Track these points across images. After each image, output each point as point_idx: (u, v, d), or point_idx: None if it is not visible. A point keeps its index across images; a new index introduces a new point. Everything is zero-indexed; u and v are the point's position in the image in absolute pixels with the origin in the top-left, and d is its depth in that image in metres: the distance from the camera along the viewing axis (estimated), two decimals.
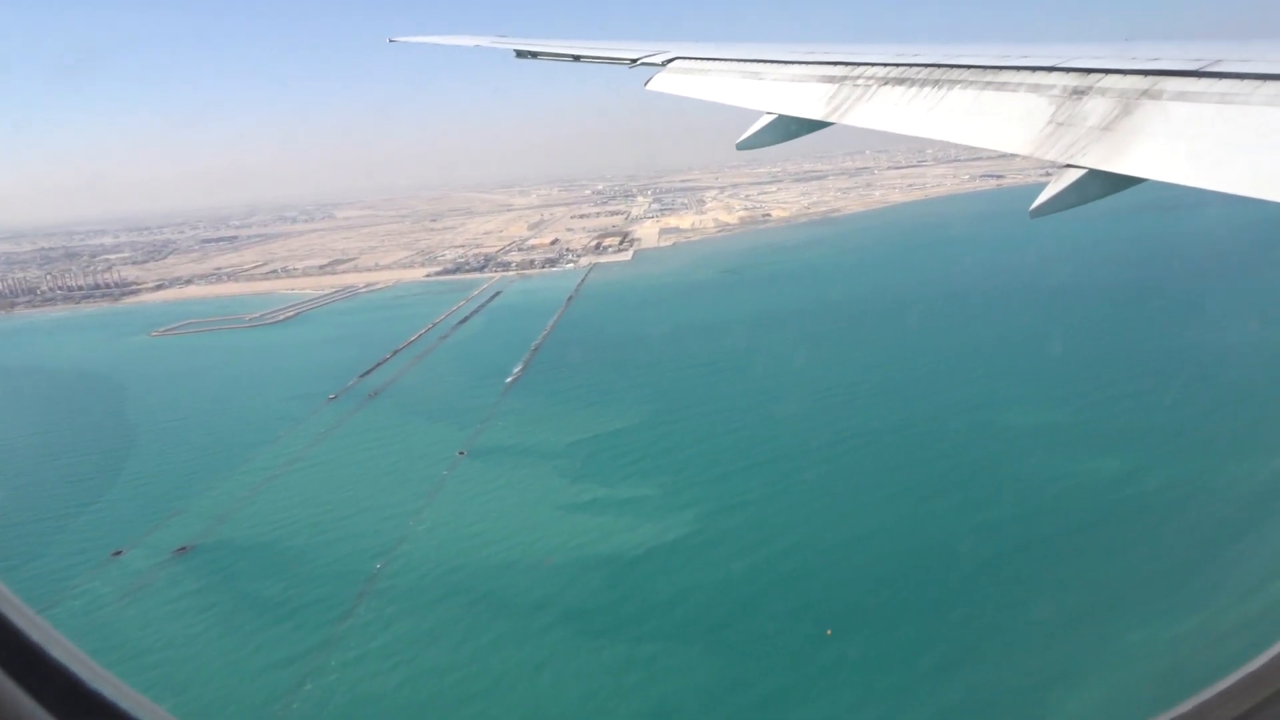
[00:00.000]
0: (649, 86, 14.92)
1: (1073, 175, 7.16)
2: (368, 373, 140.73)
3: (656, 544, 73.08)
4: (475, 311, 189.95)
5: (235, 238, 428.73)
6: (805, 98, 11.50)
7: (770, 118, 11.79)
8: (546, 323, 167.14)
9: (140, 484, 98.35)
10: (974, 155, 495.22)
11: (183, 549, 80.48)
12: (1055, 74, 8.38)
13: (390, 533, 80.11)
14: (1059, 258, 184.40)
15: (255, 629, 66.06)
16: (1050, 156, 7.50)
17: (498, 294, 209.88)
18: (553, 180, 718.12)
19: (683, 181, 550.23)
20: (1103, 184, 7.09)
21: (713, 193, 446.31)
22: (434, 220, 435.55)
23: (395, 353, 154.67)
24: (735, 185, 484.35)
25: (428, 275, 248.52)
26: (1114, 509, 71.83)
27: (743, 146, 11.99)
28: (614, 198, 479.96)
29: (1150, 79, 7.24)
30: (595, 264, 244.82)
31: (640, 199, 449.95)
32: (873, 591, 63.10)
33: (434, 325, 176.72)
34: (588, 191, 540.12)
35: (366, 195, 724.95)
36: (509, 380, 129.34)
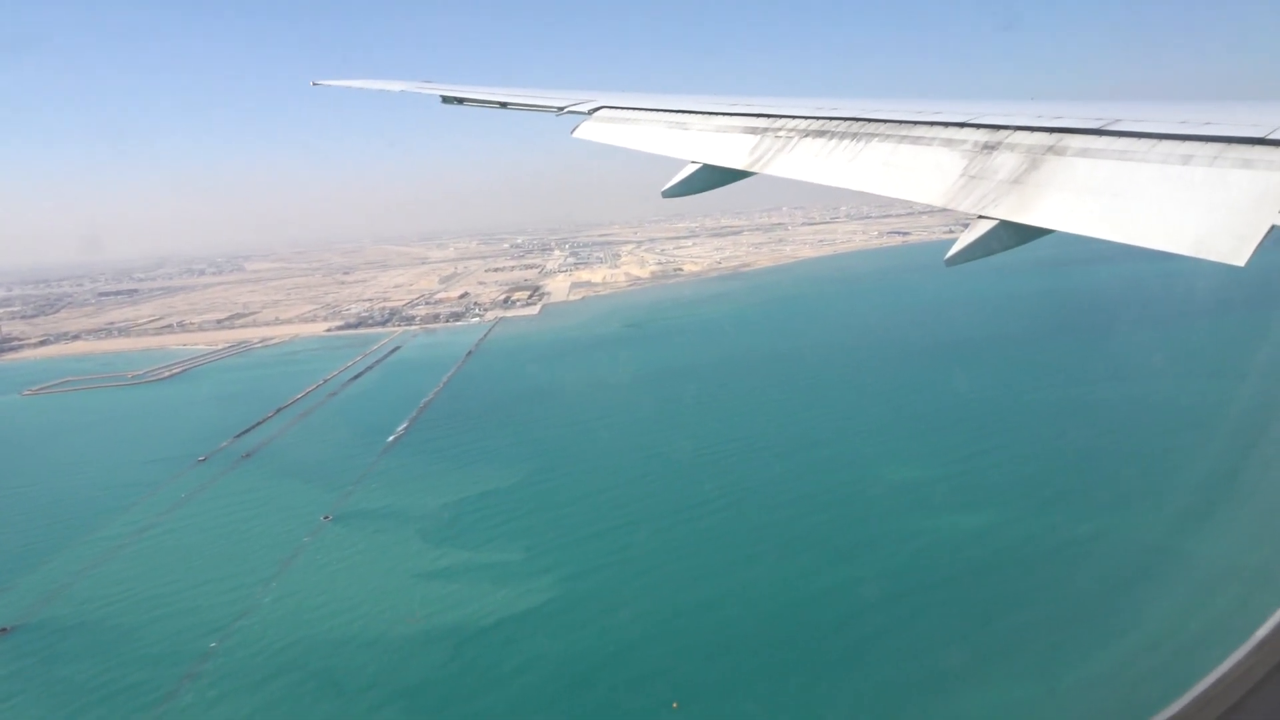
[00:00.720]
0: (575, 134, 15.05)
1: (985, 225, 7.43)
2: (245, 432, 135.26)
3: (508, 612, 70.55)
4: (370, 367, 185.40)
5: (136, 291, 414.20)
6: (729, 148, 11.80)
7: (695, 166, 11.96)
8: (440, 379, 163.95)
9: None
10: (885, 213, 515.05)
11: (2, 630, 74.55)
12: (967, 129, 8.75)
13: (233, 606, 75.77)
14: (955, 312, 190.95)
15: (66, 715, 61.08)
16: (964, 208, 7.79)
17: (396, 349, 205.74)
18: (474, 233, 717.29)
19: (601, 235, 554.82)
20: (1013, 234, 7.34)
21: (629, 247, 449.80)
22: (345, 274, 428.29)
23: (279, 411, 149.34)
24: (652, 240, 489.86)
25: (328, 330, 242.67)
26: (973, 565, 72.22)
27: (668, 194, 12.12)
28: (531, 251, 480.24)
29: (1055, 136, 7.67)
30: (501, 318, 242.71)
31: (557, 252, 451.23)
32: (720, 658, 61.73)
33: (325, 382, 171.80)
34: (506, 245, 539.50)
35: (280, 248, 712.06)
36: (391, 439, 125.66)
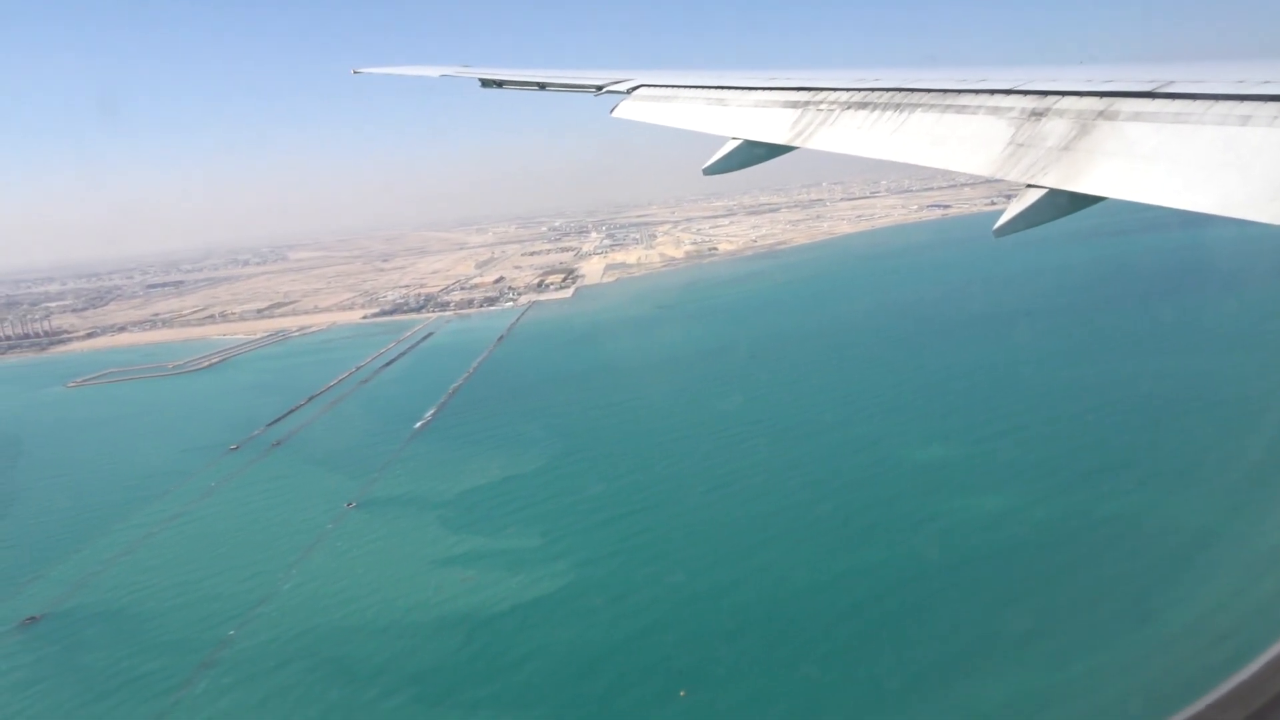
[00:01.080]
0: (615, 114, 14.97)
1: (1034, 195, 7.29)
2: (277, 421, 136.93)
3: (520, 598, 70.12)
4: (403, 354, 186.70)
5: (182, 282, 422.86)
6: (769, 123, 11.61)
7: (736, 143, 11.87)
8: (470, 364, 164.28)
9: (4, 548, 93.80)
10: (926, 186, 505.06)
11: (31, 619, 76.28)
12: (1013, 96, 8.52)
13: (254, 593, 76.54)
14: (994, 286, 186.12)
15: (81, 704, 62.16)
16: (1012, 177, 7.62)
17: (430, 335, 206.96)
18: (512, 217, 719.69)
19: (639, 216, 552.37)
20: (1063, 203, 7.19)
21: (665, 227, 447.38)
22: (385, 261, 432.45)
23: (311, 399, 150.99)
24: (689, 219, 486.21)
25: (364, 317, 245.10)
26: (988, 549, 69.94)
27: (709, 172, 12.11)
28: (568, 234, 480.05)
29: (1106, 100, 7.44)
30: (535, 302, 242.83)
31: (594, 235, 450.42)
32: (730, 645, 60.53)
33: (357, 369, 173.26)
34: (544, 228, 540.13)
35: (323, 236, 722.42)
36: (418, 425, 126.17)
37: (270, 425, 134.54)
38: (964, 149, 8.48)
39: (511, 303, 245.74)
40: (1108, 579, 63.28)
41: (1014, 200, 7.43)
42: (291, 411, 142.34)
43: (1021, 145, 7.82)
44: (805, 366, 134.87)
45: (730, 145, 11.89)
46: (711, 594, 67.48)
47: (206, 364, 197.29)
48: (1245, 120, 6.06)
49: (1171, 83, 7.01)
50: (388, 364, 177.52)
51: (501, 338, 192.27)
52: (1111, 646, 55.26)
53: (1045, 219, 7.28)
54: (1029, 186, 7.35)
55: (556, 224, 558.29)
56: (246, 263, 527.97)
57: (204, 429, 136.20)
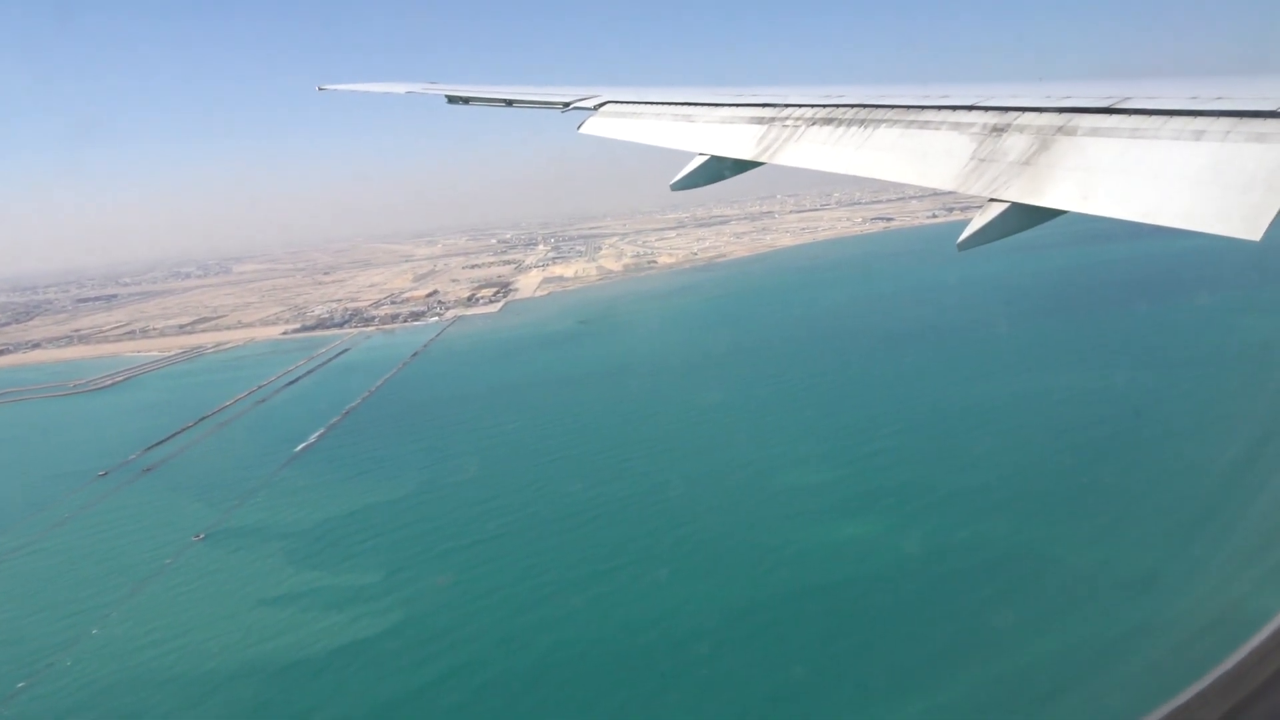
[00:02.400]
0: (582, 130, 15.00)
1: (996, 209, 7.35)
2: (158, 444, 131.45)
3: (334, 640, 66.21)
4: (310, 372, 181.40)
5: (116, 296, 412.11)
6: (736, 139, 11.66)
7: (703, 159, 11.88)
8: (374, 382, 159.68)
9: None
10: (875, 198, 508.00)
11: None
12: (975, 112, 8.64)
13: (59, 638, 71.78)
14: (912, 300, 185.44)
15: None
16: (974, 191, 7.74)
17: (345, 351, 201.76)
18: (467, 230, 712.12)
19: (591, 228, 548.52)
20: (1025, 217, 7.27)
21: (613, 240, 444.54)
22: (326, 274, 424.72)
23: (201, 420, 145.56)
24: (639, 231, 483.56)
25: (283, 333, 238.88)
26: (840, 580, 67.31)
27: (677, 187, 12.14)
28: (516, 246, 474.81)
29: (1065, 116, 7.62)
30: (460, 317, 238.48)
31: (541, 247, 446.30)
32: (532, 689, 57.10)
33: (260, 387, 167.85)
34: (494, 240, 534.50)
35: (274, 249, 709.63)
36: (299, 449, 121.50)
37: (149, 449, 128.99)
38: (928, 164, 8.52)
39: (437, 317, 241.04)
40: (954, 612, 60.94)
41: (977, 214, 7.47)
42: (177, 434, 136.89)
43: (984, 160, 7.92)
44: (699, 386, 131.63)
45: (698, 161, 11.91)
46: (528, 632, 64.05)
47: (109, 383, 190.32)
48: (1199, 135, 6.24)
49: (1128, 99, 7.17)
50: (291, 382, 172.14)
51: (415, 354, 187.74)
52: (947, 686, 52.66)
53: (1008, 232, 7.35)
54: (991, 201, 7.43)
55: (507, 236, 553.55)
56: (188, 275, 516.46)
57: (81, 453, 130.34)
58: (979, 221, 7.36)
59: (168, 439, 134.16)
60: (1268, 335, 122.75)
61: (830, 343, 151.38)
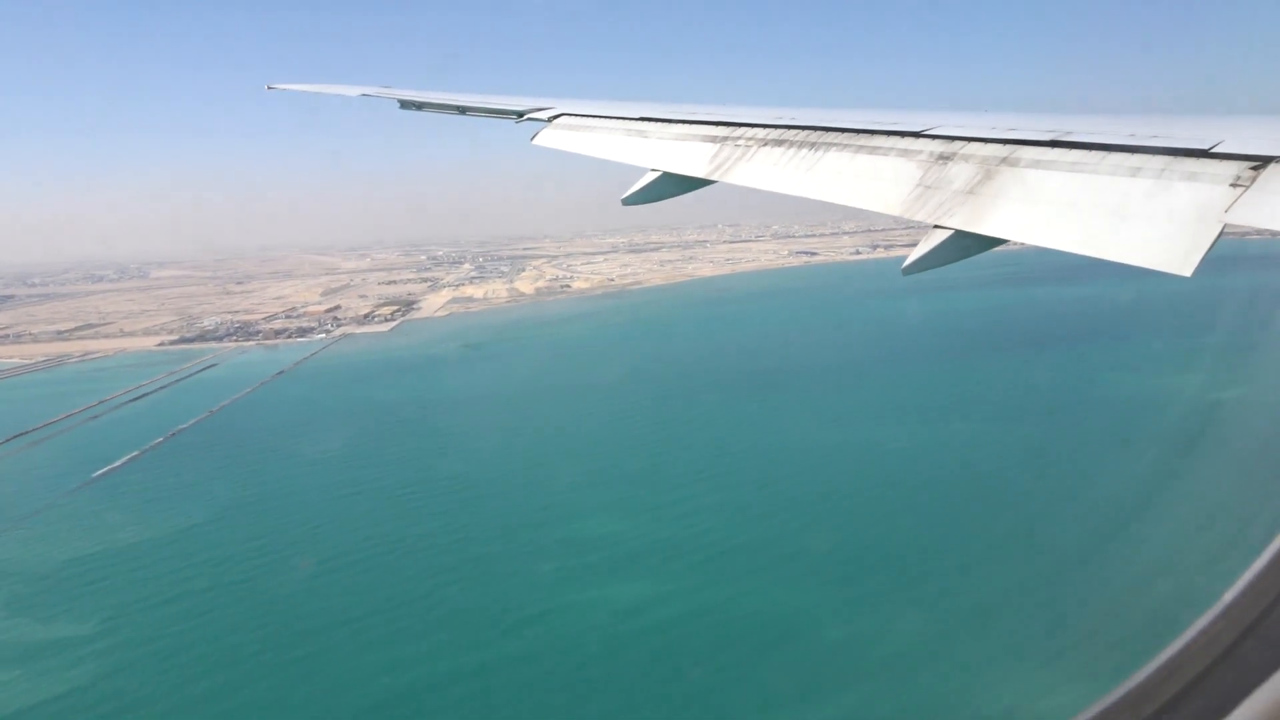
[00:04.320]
0: (535, 141, 14.65)
1: (940, 235, 7.39)
2: None
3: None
4: (164, 387, 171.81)
5: (13, 297, 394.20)
6: (689, 156, 11.49)
7: (655, 174, 11.65)
8: (220, 402, 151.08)
9: None
10: (810, 232, 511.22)
11: None
12: (923, 140, 8.68)
13: None
14: (807, 338, 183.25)
15: None
16: (919, 217, 7.77)
17: (211, 366, 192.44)
18: (403, 245, 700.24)
19: (526, 249, 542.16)
20: (968, 244, 7.30)
21: (540, 261, 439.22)
22: (239, 284, 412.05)
23: (19, 435, 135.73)
24: (570, 255, 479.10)
25: (159, 344, 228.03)
26: (561, 646, 61.75)
27: (628, 202, 11.96)
28: (443, 264, 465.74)
29: (1009, 147, 7.68)
30: (348, 334, 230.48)
31: (466, 266, 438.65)
32: None
33: (102, 402, 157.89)
34: (424, 257, 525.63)
35: (201, 254, 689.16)
36: (98, 473, 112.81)
37: None
38: (875, 188, 8.55)
39: (325, 334, 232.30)
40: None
41: (922, 240, 7.51)
42: None
43: (929, 187, 7.96)
44: (538, 420, 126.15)
45: (650, 176, 11.61)
46: (219, 693, 57.32)
47: None
48: (1136, 171, 6.32)
49: (1070, 133, 7.24)
50: (137, 399, 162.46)
51: (280, 373, 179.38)
52: None
53: (951, 259, 7.38)
54: (935, 227, 7.45)
55: (439, 253, 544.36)
56: (101, 279, 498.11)
57: None
58: (924, 247, 7.39)
59: None
60: (1130, 393, 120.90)
61: (693, 380, 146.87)
